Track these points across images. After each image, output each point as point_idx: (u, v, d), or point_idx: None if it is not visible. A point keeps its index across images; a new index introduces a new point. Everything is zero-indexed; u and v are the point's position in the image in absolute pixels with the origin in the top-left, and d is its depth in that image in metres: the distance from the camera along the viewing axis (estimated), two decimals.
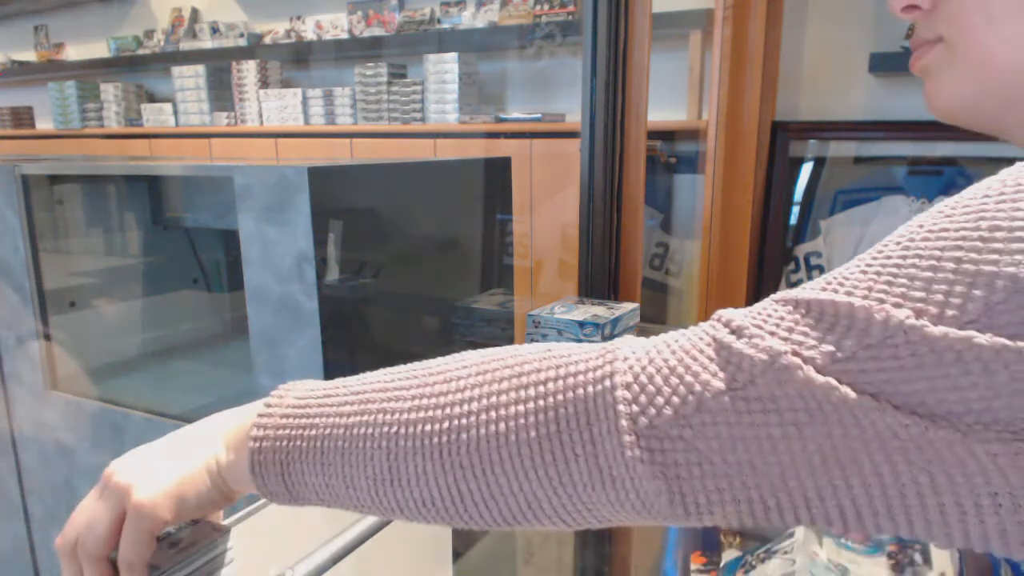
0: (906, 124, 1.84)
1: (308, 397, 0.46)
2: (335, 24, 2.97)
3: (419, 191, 1.43)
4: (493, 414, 0.39)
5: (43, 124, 4.04)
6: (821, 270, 1.92)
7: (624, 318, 1.26)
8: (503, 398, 0.39)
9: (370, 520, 0.75)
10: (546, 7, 2.43)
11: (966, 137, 1.80)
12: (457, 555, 1.06)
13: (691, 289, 2.18)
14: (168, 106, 3.34)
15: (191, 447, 0.48)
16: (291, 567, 0.67)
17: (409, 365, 0.45)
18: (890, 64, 1.81)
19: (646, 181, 1.52)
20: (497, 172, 1.62)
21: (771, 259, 1.98)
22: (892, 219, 1.80)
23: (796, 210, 1.97)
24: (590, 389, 0.37)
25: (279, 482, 0.45)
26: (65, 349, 1.59)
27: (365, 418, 0.42)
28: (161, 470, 0.47)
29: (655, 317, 2.18)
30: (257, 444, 0.45)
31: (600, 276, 1.51)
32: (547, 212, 2.22)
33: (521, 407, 0.38)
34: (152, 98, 3.63)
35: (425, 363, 0.44)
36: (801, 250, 1.95)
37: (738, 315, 0.36)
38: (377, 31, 2.85)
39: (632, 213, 1.51)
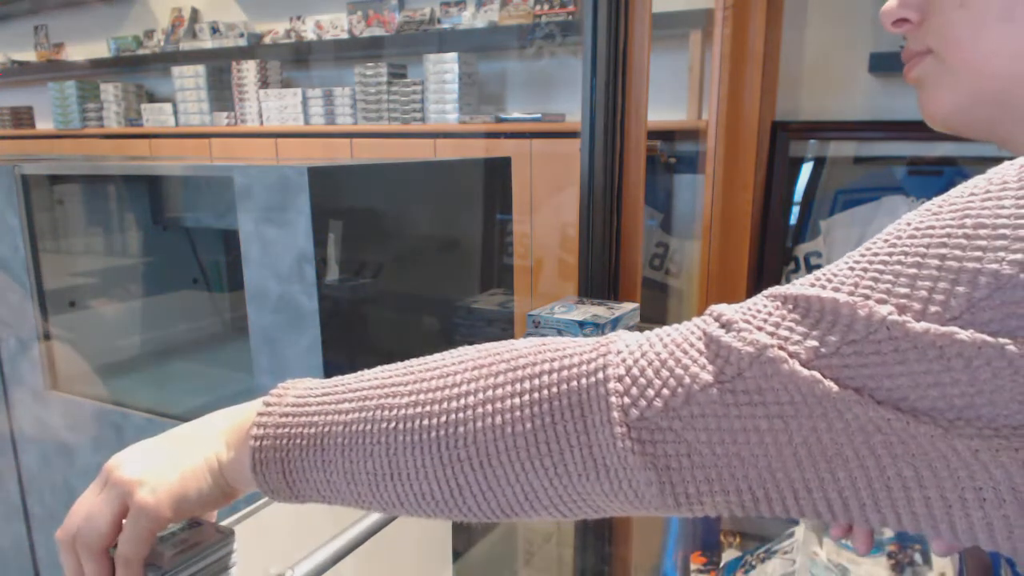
0: (906, 124, 1.84)
1: (307, 395, 0.46)
2: (335, 24, 2.97)
3: (419, 191, 1.43)
4: (489, 407, 0.39)
5: (43, 124, 4.04)
6: None
7: (624, 318, 1.26)
8: (499, 391, 0.39)
9: (370, 520, 0.75)
10: (546, 7, 2.43)
11: (966, 137, 1.80)
12: (457, 555, 1.06)
13: (691, 289, 2.18)
14: (168, 106, 3.34)
15: (192, 445, 0.48)
16: (291, 567, 0.67)
17: (406, 362, 0.45)
18: (890, 64, 1.81)
19: (646, 181, 1.52)
20: (497, 172, 1.62)
21: (771, 259, 1.98)
22: (892, 219, 1.78)
23: (796, 210, 1.97)
24: (583, 381, 0.37)
25: (280, 480, 0.45)
26: (65, 349, 1.59)
27: (364, 415, 0.43)
28: (163, 467, 0.47)
29: (655, 317, 2.17)
30: (258, 443, 0.45)
31: (600, 276, 1.51)
32: (547, 212, 2.22)
33: (517, 400, 0.39)
34: (152, 98, 3.63)
35: (422, 359, 0.45)
36: (801, 250, 1.95)
37: (729, 310, 0.36)
38: (377, 31, 2.85)
39: (632, 213, 1.51)
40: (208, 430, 0.49)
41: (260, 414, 0.46)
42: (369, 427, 0.42)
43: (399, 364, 0.45)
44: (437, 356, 0.44)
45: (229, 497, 0.49)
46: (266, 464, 0.45)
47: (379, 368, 0.46)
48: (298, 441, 0.44)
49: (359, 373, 0.46)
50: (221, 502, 0.49)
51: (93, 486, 0.48)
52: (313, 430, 0.44)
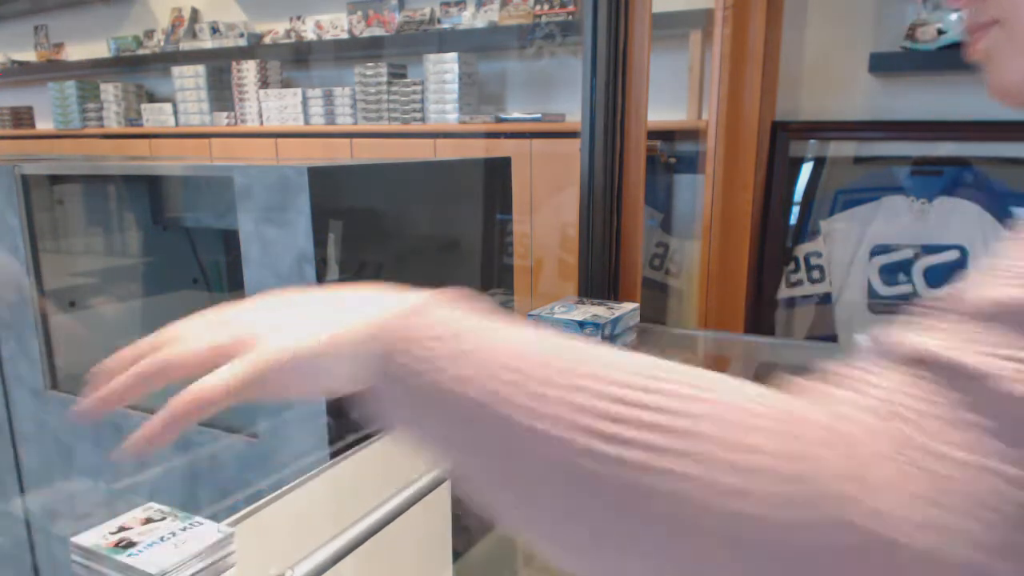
0: (906, 124, 1.84)
1: (452, 339, 0.37)
2: (335, 24, 2.97)
3: (419, 191, 1.43)
4: (698, 493, 0.28)
5: (43, 124, 4.04)
6: (821, 270, 1.92)
7: (624, 318, 1.26)
8: (715, 475, 0.28)
9: (370, 520, 0.75)
10: (546, 7, 2.43)
11: (967, 137, 1.80)
12: (457, 555, 1.06)
13: (691, 289, 2.18)
14: (168, 106, 3.34)
15: (320, 328, 0.42)
16: (291, 567, 0.67)
17: (576, 345, 0.35)
18: (890, 64, 1.80)
19: (646, 181, 1.52)
20: (497, 172, 1.62)
21: (771, 259, 1.98)
22: (892, 219, 1.80)
23: (796, 210, 1.97)
24: (852, 519, 0.27)
25: (396, 420, 0.39)
26: (65, 349, 1.59)
27: (508, 411, 0.33)
28: (283, 335, 0.42)
29: (655, 317, 2.18)
30: (383, 381, 0.39)
31: (600, 276, 1.51)
32: (547, 212, 2.22)
33: (741, 502, 0.28)
34: (152, 98, 3.63)
35: (600, 354, 0.34)
36: (801, 250, 1.95)
37: (965, 355, 0.26)
38: (377, 31, 2.85)
39: (632, 213, 1.51)
40: (347, 332, 0.41)
41: (400, 339, 0.38)
42: (505, 427, 0.32)
43: (567, 344, 0.35)
44: (618, 360, 0.33)
45: (327, 393, 0.43)
46: (387, 402, 0.39)
47: (538, 334, 0.37)
48: (424, 399, 0.37)
49: (514, 328, 0.37)
50: (317, 395, 0.43)
51: (198, 321, 0.46)
52: (445, 395, 0.36)
